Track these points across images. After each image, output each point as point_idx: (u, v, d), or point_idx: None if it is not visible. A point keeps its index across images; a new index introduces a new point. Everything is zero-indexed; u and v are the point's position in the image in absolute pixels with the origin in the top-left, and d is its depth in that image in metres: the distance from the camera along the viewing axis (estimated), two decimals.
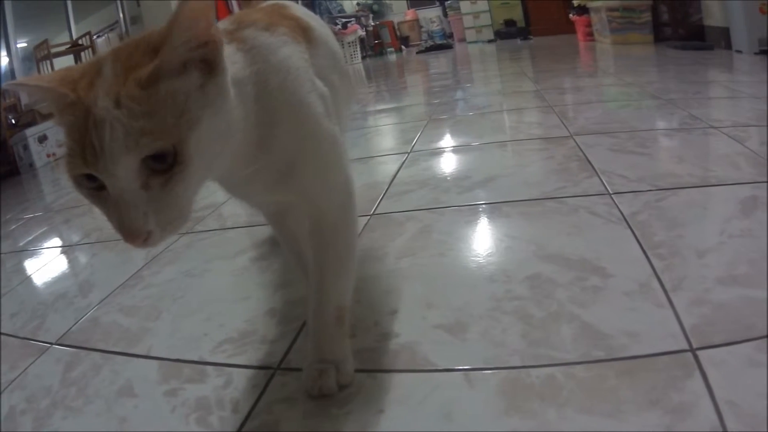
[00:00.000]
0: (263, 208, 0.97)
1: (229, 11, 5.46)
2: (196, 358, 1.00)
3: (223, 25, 0.82)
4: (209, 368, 0.96)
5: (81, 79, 0.60)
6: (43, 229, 2.13)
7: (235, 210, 1.78)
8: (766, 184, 1.35)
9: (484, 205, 1.49)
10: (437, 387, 0.82)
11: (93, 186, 0.61)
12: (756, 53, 3.60)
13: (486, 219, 1.40)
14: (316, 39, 0.97)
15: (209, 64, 0.63)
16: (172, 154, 0.59)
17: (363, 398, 0.82)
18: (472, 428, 0.73)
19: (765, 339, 0.81)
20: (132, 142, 0.56)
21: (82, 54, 5.22)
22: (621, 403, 0.73)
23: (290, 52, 0.82)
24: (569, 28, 6.92)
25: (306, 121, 0.81)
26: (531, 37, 7.99)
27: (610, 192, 1.43)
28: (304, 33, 0.93)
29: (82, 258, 1.70)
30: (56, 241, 1.94)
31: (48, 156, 3.91)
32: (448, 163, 2.01)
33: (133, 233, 0.59)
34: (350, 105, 1.37)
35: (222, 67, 0.64)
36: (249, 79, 0.73)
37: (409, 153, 2.20)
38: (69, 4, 5.92)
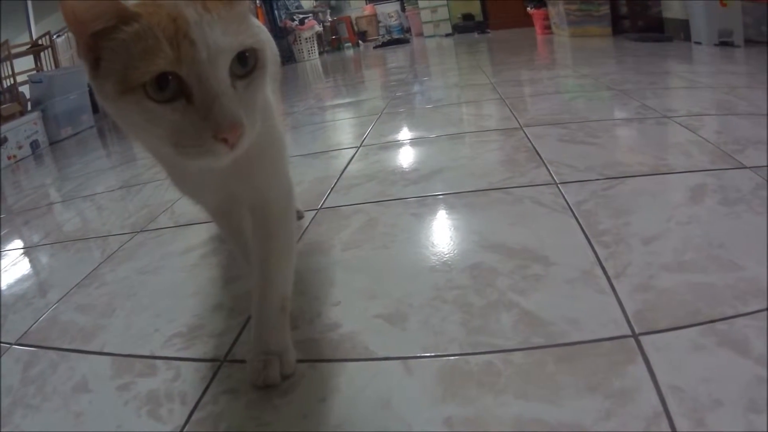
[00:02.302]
0: (209, 204, 1.00)
1: None
2: (147, 353, 1.02)
3: None
4: (159, 362, 0.98)
5: (137, 8, 0.61)
6: (4, 231, 2.12)
7: (187, 208, 1.79)
8: (719, 171, 1.38)
9: (429, 197, 1.51)
10: (376, 375, 0.84)
11: (162, 98, 0.61)
12: (715, 44, 3.65)
13: (431, 210, 1.43)
14: None
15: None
16: (254, 58, 0.65)
17: (305, 387, 0.84)
18: (410, 414, 0.75)
19: (710, 324, 0.82)
20: (231, 39, 0.61)
21: (42, 54, 5.15)
22: (559, 388, 0.74)
23: None
24: (527, 22, 6.96)
25: (268, 115, 0.83)
26: (489, 30, 8.03)
27: (557, 182, 1.46)
28: None
29: (42, 258, 1.70)
30: (17, 243, 1.93)
31: (9, 158, 3.85)
32: (397, 157, 2.02)
33: (235, 122, 0.61)
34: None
35: None
36: None
37: (359, 147, 2.22)
38: (29, 4, 5.83)
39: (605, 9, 5.12)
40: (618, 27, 5.11)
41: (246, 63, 0.64)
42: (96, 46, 0.61)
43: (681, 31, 4.12)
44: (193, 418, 0.83)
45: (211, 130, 0.61)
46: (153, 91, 0.60)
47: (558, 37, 5.79)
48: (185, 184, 0.89)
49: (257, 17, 7.21)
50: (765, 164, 1.38)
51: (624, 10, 5.03)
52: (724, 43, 3.61)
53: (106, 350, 1.06)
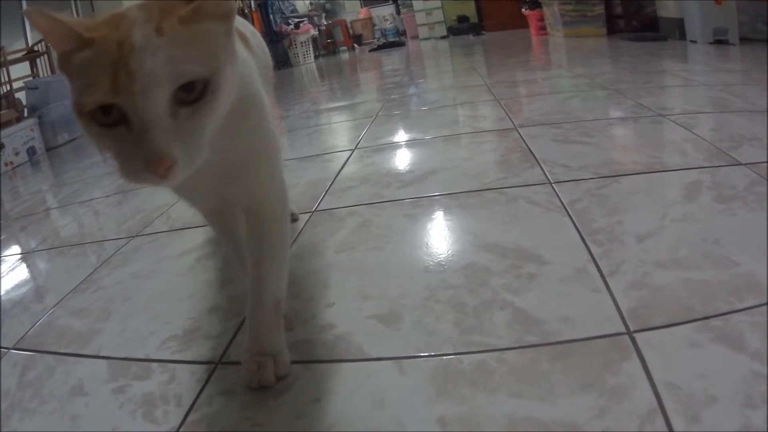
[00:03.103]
0: (203, 206, 1.00)
1: None
2: (142, 356, 1.02)
3: None
4: (154, 365, 0.98)
5: (99, 27, 0.62)
6: (2, 237, 2.12)
7: (182, 212, 1.80)
8: (714, 168, 1.38)
9: (424, 198, 1.51)
10: (370, 375, 0.84)
11: (107, 122, 0.62)
12: (711, 43, 3.65)
13: (425, 212, 1.43)
14: (252, 48, 1.00)
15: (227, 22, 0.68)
16: (203, 85, 0.64)
17: (299, 388, 0.85)
18: (403, 414, 0.75)
19: (705, 320, 0.82)
20: (174, 68, 0.60)
21: (38, 60, 5.16)
22: (553, 386, 0.74)
23: (248, 56, 0.86)
24: (522, 23, 7.02)
25: (263, 118, 0.85)
26: (484, 32, 8.12)
27: (551, 181, 1.46)
28: (246, 42, 0.96)
29: (39, 264, 1.70)
30: (14, 249, 1.93)
31: (6, 164, 3.85)
32: (392, 159, 2.03)
33: (160, 157, 0.60)
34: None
35: (234, 29, 0.70)
36: None
37: (354, 150, 2.22)
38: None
39: (600, 9, 5.14)
40: (613, 27, 5.13)
41: (192, 90, 0.63)
42: (67, 63, 0.63)
43: (676, 29, 4.13)
44: (189, 419, 0.83)
45: (142, 159, 0.61)
46: (99, 115, 0.61)
47: (553, 37, 5.81)
48: (178, 187, 0.89)
49: (253, 22, 7.23)
50: (760, 160, 1.39)
51: (619, 9, 5.05)
52: (720, 41, 3.62)
53: (101, 354, 1.06)
